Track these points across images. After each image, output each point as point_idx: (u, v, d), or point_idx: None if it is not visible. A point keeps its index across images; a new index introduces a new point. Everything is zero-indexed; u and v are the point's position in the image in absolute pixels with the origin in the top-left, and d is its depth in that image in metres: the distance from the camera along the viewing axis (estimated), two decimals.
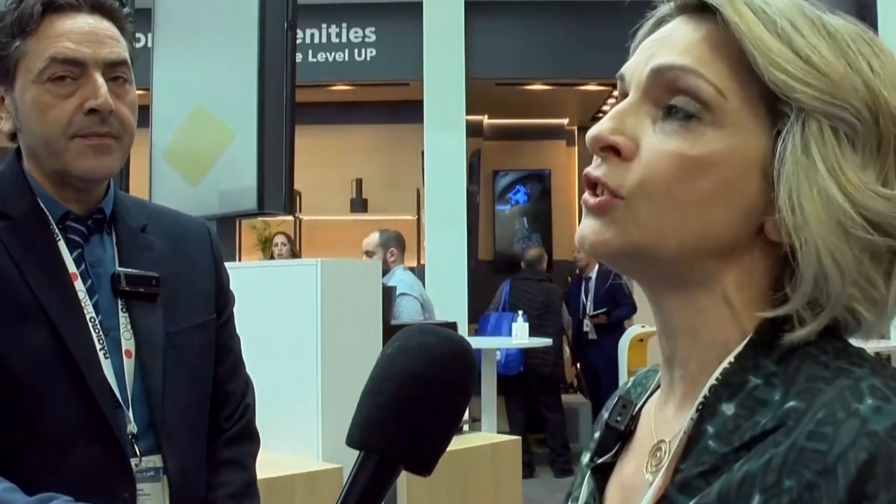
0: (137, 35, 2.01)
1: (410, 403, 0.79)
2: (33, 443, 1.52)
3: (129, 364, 1.61)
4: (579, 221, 0.86)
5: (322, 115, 10.46)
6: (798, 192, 0.77)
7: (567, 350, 8.98)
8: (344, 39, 9.90)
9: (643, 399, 0.96)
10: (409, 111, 9.37)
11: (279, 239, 8.81)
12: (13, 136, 1.67)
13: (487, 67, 9.35)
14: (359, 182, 11.07)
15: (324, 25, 9.85)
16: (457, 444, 3.64)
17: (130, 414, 1.59)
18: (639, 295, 0.91)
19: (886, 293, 0.79)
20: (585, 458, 0.99)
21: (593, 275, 8.48)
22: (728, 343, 0.83)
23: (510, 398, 8.16)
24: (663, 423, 0.88)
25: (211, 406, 1.76)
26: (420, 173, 8.64)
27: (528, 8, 9.30)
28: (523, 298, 8.14)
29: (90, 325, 1.59)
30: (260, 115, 3.08)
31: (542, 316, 8.10)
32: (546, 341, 7.23)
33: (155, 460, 1.60)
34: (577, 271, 8.98)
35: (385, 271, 6.03)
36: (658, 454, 0.85)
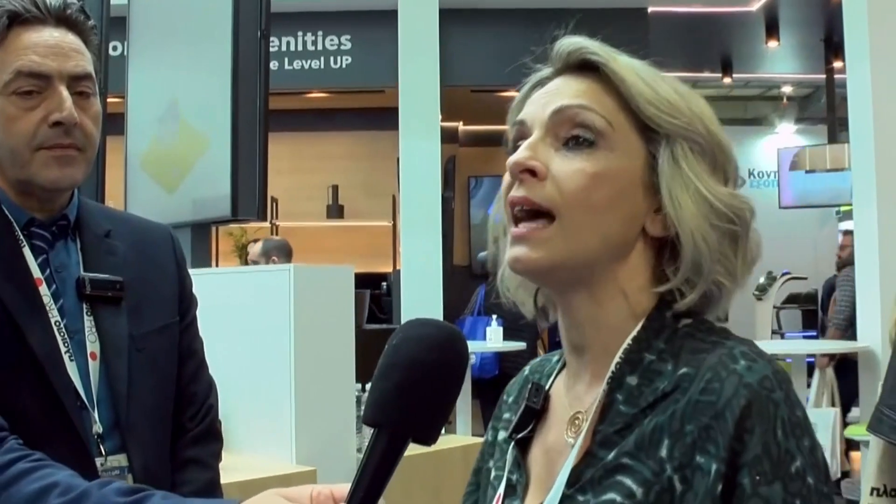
0: (113, 43, 2.04)
1: (415, 384, 0.93)
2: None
3: (94, 366, 1.64)
4: None
5: (298, 122, 10.49)
6: (676, 192, 1.03)
7: (542, 354, 9.00)
8: (320, 47, 9.94)
9: (548, 383, 1.17)
10: (384, 118, 9.41)
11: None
12: None
13: (462, 74, 9.41)
14: (335, 188, 11.10)
15: (300, 33, 9.88)
16: (430, 446, 3.68)
17: (96, 415, 1.61)
18: None
19: (737, 265, 1.05)
20: (500, 435, 1.21)
21: None
22: (625, 328, 1.06)
23: (485, 401, 8.20)
24: (576, 398, 1.10)
25: (175, 407, 1.79)
26: (396, 179, 8.68)
27: (503, 15, 9.36)
28: (498, 303, 8.14)
29: (55, 328, 1.61)
30: (234, 123, 3.11)
31: (516, 320, 8.08)
32: (520, 345, 7.28)
33: (120, 459, 1.63)
34: None
35: None
36: (576, 422, 1.07)
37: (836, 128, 13.26)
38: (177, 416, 1.80)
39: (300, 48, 9.92)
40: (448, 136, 10.03)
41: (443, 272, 8.02)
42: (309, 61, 9.92)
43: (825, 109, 14.20)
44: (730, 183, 1.08)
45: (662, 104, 1.04)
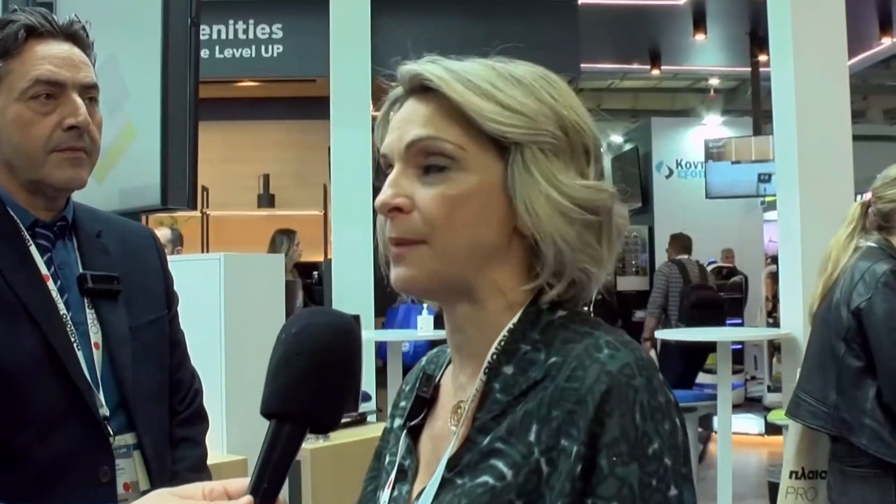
0: None
1: (319, 371, 0.95)
2: (25, 424, 1.68)
3: (97, 355, 1.80)
4: None
5: (229, 110, 10.41)
6: (530, 199, 1.07)
7: None
8: (251, 35, 9.88)
9: (440, 374, 1.24)
10: (315, 107, 9.37)
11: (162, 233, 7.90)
12: None
13: (394, 64, 9.39)
14: (266, 178, 11.04)
15: (231, 21, 9.81)
16: (362, 434, 3.71)
17: (102, 398, 1.77)
18: None
19: (601, 250, 1.11)
20: (395, 423, 1.27)
21: None
22: (502, 323, 1.11)
23: None
24: (460, 388, 1.15)
25: (168, 392, 1.98)
26: (327, 169, 8.65)
27: (435, 5, 9.39)
28: None
29: (64, 320, 1.77)
30: (163, 112, 3.09)
31: None
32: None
33: (126, 438, 1.80)
34: None
35: None
36: (459, 411, 1.13)
37: (761, 120, 13.50)
38: (169, 401, 1.98)
39: (231, 36, 9.85)
40: None
41: (374, 261, 8.01)
42: (240, 50, 9.86)
43: (750, 102, 14.45)
44: (590, 169, 1.12)
45: (503, 116, 1.08)
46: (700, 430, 7.86)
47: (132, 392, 1.81)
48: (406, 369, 7.40)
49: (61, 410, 1.71)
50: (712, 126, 15.26)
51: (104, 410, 1.77)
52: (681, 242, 10.55)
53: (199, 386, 2.11)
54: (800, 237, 5.78)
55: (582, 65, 10.56)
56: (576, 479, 0.98)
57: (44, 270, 1.80)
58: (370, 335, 7.06)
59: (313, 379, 0.95)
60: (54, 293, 1.79)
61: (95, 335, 1.81)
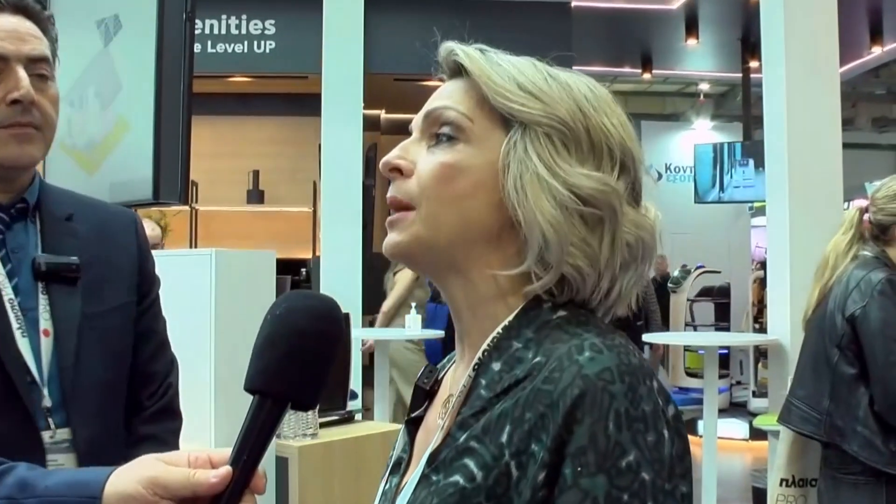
0: None
1: (300, 352, 0.98)
2: None
3: (46, 343, 1.71)
4: None
5: (220, 106, 10.40)
6: (520, 177, 1.05)
7: None
8: (243, 31, 9.86)
9: (448, 367, 1.21)
10: (307, 104, 9.37)
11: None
12: None
13: (386, 62, 9.40)
14: (256, 173, 11.02)
15: (223, 16, 9.80)
16: (349, 432, 3.70)
17: (45, 390, 1.68)
18: None
19: (599, 251, 1.05)
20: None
21: None
22: (497, 315, 1.08)
23: None
24: (455, 381, 1.13)
25: (134, 385, 1.87)
26: (317, 166, 8.65)
27: (428, 4, 9.38)
28: None
29: (8, 305, 1.69)
30: (157, 106, 3.08)
31: None
32: (438, 333, 7.31)
33: (68, 433, 1.70)
34: None
35: None
36: (447, 404, 1.11)
37: (751, 125, 13.54)
38: (135, 395, 1.88)
39: (224, 31, 9.83)
40: (370, 124, 10.02)
41: (362, 259, 8.02)
42: (232, 45, 9.84)
43: (741, 107, 14.49)
44: (607, 168, 1.07)
45: (514, 94, 1.07)
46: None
47: (70, 384, 1.71)
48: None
49: None
50: (702, 131, 15.30)
51: (46, 401, 1.68)
52: None
53: (175, 380, 2.00)
54: (788, 243, 5.80)
55: (574, 67, 10.54)
56: (538, 486, 0.93)
57: None
58: (358, 333, 7.05)
59: (294, 359, 0.98)
60: (0, 277, 1.71)
61: (46, 322, 1.72)
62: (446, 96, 1.12)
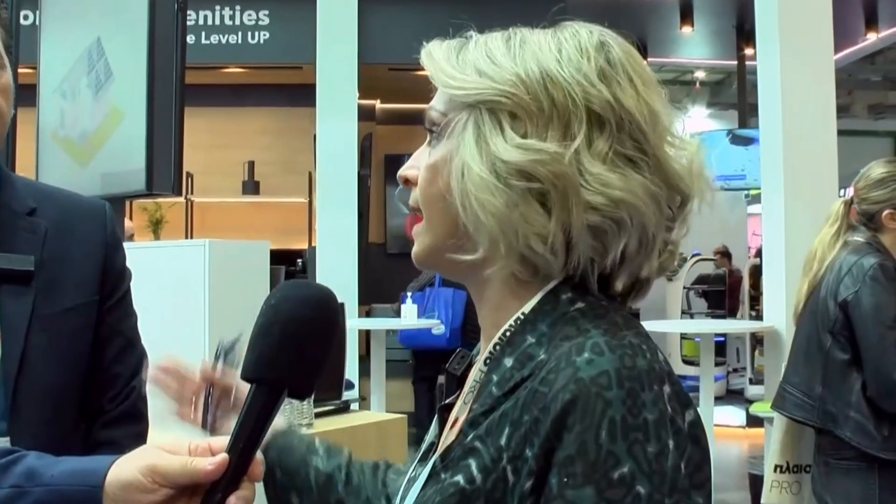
0: (24, 12, 2.01)
1: (296, 340, 0.99)
2: None
3: None
4: None
5: (215, 97, 10.38)
6: (458, 166, 1.01)
7: None
8: (237, 22, 9.85)
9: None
10: (301, 94, 9.35)
11: None
12: None
13: (380, 52, 9.39)
14: (251, 164, 11.01)
15: (217, 7, 9.78)
16: (345, 422, 3.70)
17: None
18: None
19: (548, 226, 0.97)
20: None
21: None
22: (506, 304, 1.04)
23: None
24: (479, 370, 1.07)
25: (95, 388, 1.73)
26: (312, 156, 8.65)
27: None
28: None
29: None
30: (149, 97, 3.08)
31: None
32: (433, 322, 7.30)
33: (6, 442, 1.57)
34: None
35: None
36: (463, 399, 1.07)
37: (747, 113, 13.53)
38: (96, 398, 1.74)
39: (217, 22, 9.81)
40: (365, 114, 10.01)
41: (358, 249, 8.02)
42: (226, 36, 9.82)
43: (736, 95, 14.48)
44: (577, 130, 0.98)
45: (457, 77, 1.02)
46: None
47: (11, 390, 1.59)
48: (442, 355, 7.37)
49: None
50: (698, 119, 15.29)
51: None
52: None
53: (139, 382, 1.80)
54: (784, 231, 5.80)
55: None
56: (524, 495, 0.90)
57: None
58: (354, 323, 7.05)
59: (288, 347, 0.99)
60: None
61: None
62: (436, 96, 1.09)
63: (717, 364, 8.02)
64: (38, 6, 3.69)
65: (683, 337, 11.44)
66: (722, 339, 11.27)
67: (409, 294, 7.61)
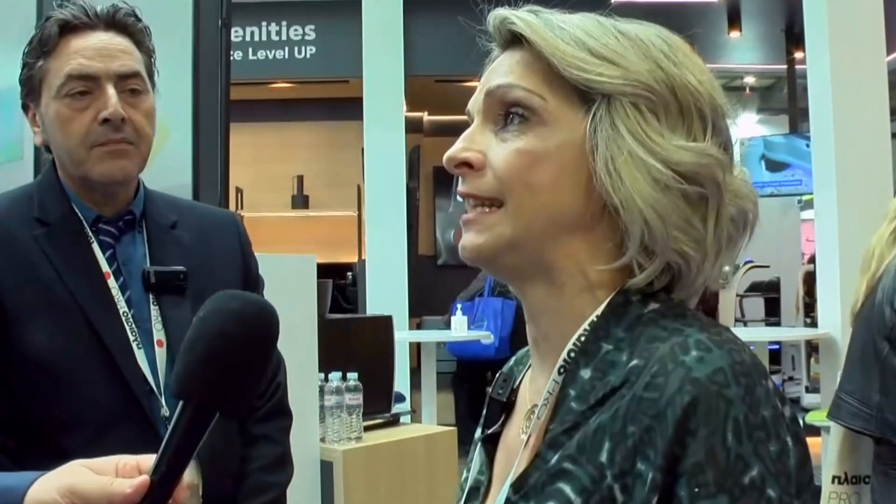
0: None
1: (218, 357, 0.91)
2: (76, 425, 1.67)
3: (160, 353, 1.75)
4: None
5: (263, 112, 10.47)
6: (612, 158, 0.92)
7: None
8: (284, 37, 9.91)
9: (523, 373, 1.07)
10: (349, 108, 9.39)
11: None
12: (48, 148, 1.81)
13: (427, 64, 9.40)
14: (300, 179, 11.08)
15: (264, 23, 9.85)
16: (394, 435, 3.69)
17: (163, 399, 1.72)
18: None
19: (705, 232, 0.93)
20: (478, 432, 1.08)
21: None
22: (584, 312, 0.95)
23: None
24: (536, 391, 0.98)
25: None
26: (360, 170, 8.67)
27: (467, 4, 9.32)
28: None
29: (123, 318, 1.73)
30: (195, 113, 3.10)
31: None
32: (483, 333, 7.28)
33: None
34: None
35: None
36: (531, 417, 0.96)
37: (798, 118, 13.37)
38: None
39: (264, 38, 9.88)
40: (413, 126, 10.03)
41: (408, 262, 8.02)
42: (273, 51, 9.89)
43: (786, 100, 14.32)
44: (699, 133, 0.95)
45: (589, 63, 0.93)
46: None
47: None
48: (492, 366, 7.35)
49: (115, 412, 1.69)
50: (748, 125, 15.13)
51: (164, 411, 1.72)
52: None
53: (283, 379, 2.02)
54: (837, 236, 5.72)
55: None
56: None
57: (105, 268, 1.76)
58: (404, 336, 7.04)
59: (213, 364, 0.91)
60: (114, 291, 1.75)
61: (159, 333, 1.76)
62: (507, 72, 0.97)
63: (772, 372, 7.90)
64: None
65: None
66: (776, 346, 11.13)
67: (458, 305, 7.59)
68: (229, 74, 3.20)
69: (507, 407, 1.05)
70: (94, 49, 1.74)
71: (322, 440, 3.35)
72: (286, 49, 9.90)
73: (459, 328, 7.16)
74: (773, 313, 12.42)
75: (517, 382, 1.07)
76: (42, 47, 1.75)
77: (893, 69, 9.88)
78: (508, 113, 0.96)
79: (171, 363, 1.74)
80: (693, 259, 0.93)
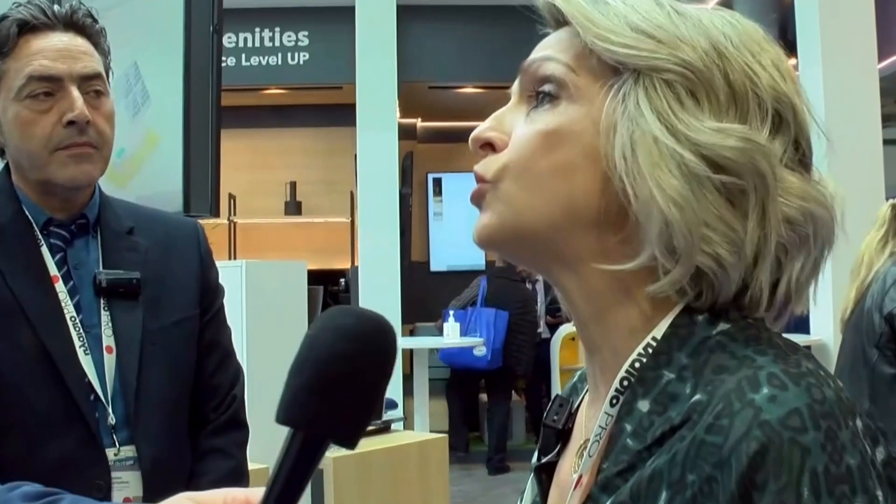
0: None
1: (330, 380, 0.81)
2: (14, 431, 1.63)
3: (109, 360, 1.72)
4: None
5: (256, 118, 10.45)
6: (630, 141, 0.80)
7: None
8: (277, 43, 9.91)
9: (581, 395, 0.96)
10: (342, 114, 9.38)
11: None
12: (1, 151, 1.78)
13: (420, 71, 9.40)
14: (293, 185, 11.06)
15: (257, 29, 9.84)
16: (386, 442, 3.68)
17: (110, 407, 1.69)
18: None
19: (744, 233, 0.79)
20: (534, 458, 0.98)
21: (540, 276, 8.57)
22: (631, 324, 0.84)
23: (493, 393, 8.29)
24: (592, 419, 0.87)
25: (199, 398, 1.87)
26: (354, 176, 8.66)
27: (460, 11, 9.37)
28: (506, 296, 8.20)
29: (70, 323, 1.70)
30: (186, 119, 3.09)
31: (522, 315, 8.22)
32: (477, 340, 7.28)
33: (132, 450, 1.70)
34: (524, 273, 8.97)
35: None
36: (583, 452, 0.85)
37: None
38: (200, 408, 1.87)
39: (257, 44, 9.88)
40: (406, 133, 10.01)
41: (401, 268, 8.02)
42: (266, 57, 9.88)
43: None
44: (755, 122, 0.81)
45: (620, 34, 0.83)
46: None
47: (133, 401, 1.71)
48: (485, 374, 7.31)
49: (56, 418, 1.65)
50: None
51: (111, 419, 1.68)
52: None
53: (240, 391, 1.96)
54: None
55: None
56: None
57: (53, 271, 1.73)
58: (398, 342, 7.04)
59: (323, 391, 0.81)
60: (62, 295, 1.71)
61: (109, 339, 1.72)
62: (544, 47, 0.89)
63: None
64: None
65: None
66: None
67: (451, 311, 7.58)
68: (220, 80, 3.19)
69: (564, 433, 0.94)
70: (56, 50, 1.71)
71: None
72: (279, 55, 9.89)
73: (452, 334, 7.15)
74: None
75: (575, 407, 0.96)
76: (0, 48, 1.71)
77: (885, 76, 9.91)
78: (539, 92, 0.87)
79: (119, 370, 1.71)
80: (731, 265, 0.79)
